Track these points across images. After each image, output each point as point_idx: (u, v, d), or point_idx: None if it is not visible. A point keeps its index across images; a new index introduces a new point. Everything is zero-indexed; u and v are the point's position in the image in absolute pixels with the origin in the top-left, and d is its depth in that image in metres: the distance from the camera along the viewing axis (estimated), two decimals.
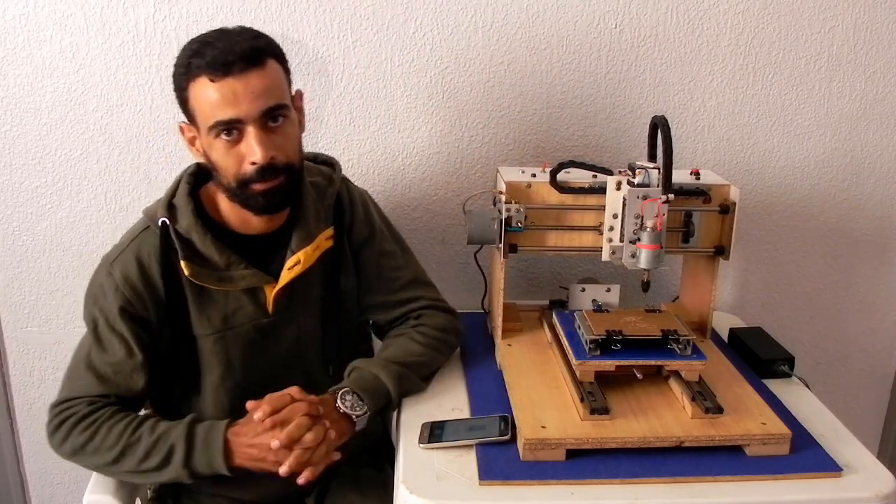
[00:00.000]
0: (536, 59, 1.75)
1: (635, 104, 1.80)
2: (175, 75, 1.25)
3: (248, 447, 1.24)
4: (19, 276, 1.82)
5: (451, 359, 1.54)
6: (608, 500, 1.15)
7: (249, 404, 1.24)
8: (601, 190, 1.40)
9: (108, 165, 1.74)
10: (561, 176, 1.46)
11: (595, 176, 1.46)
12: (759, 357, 1.53)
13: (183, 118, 1.29)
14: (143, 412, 1.38)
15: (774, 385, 1.47)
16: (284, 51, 1.31)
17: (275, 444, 1.20)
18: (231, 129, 1.21)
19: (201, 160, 1.31)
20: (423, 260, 1.59)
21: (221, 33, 1.24)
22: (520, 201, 1.45)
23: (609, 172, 1.41)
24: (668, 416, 1.27)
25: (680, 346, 1.33)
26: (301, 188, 1.36)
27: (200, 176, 1.38)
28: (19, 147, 1.72)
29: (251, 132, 1.21)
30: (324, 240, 1.40)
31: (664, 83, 1.79)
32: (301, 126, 1.33)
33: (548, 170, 1.47)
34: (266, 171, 1.23)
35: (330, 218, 1.43)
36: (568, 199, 1.47)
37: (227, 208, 1.35)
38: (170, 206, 1.33)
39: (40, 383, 1.91)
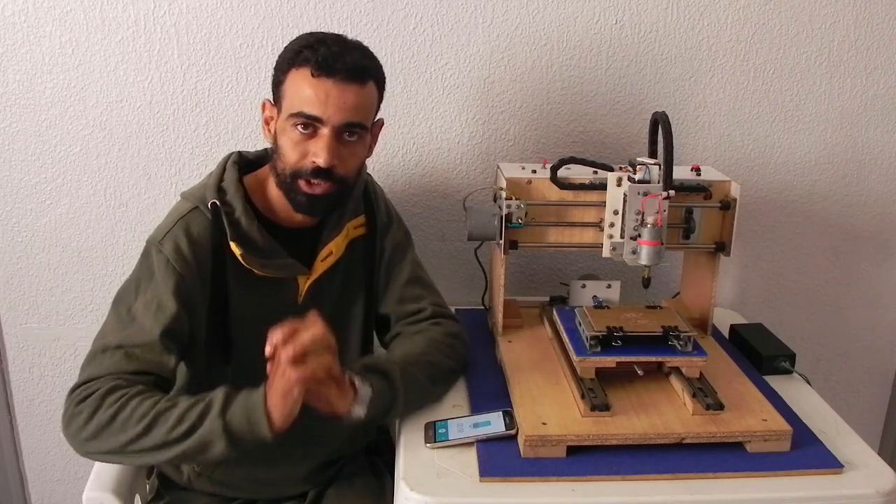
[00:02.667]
0: (537, 55, 1.74)
1: (636, 100, 1.80)
2: (282, 57, 1.30)
3: (275, 387, 1.16)
4: (19, 272, 1.82)
5: None
6: (609, 496, 1.15)
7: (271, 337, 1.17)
8: (602, 186, 1.40)
9: (107, 162, 1.74)
10: (561, 172, 1.45)
11: (596, 172, 1.46)
12: (759, 353, 1.52)
13: (268, 97, 1.34)
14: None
15: (775, 381, 1.47)
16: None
17: (268, 350, 1.14)
18: (309, 124, 1.26)
19: (269, 141, 1.35)
20: (424, 256, 1.59)
21: (340, 39, 1.29)
22: (520, 198, 1.45)
23: (610, 169, 1.41)
24: (669, 413, 1.27)
25: (681, 343, 1.33)
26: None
27: (247, 165, 1.41)
28: (18, 143, 1.72)
29: (325, 135, 1.26)
30: (353, 228, 1.43)
31: (665, 79, 1.79)
32: (369, 151, 1.39)
33: (548, 166, 1.46)
34: (321, 173, 1.27)
35: (360, 208, 1.45)
36: (568, 195, 1.47)
37: (276, 198, 1.36)
38: (219, 189, 1.34)
39: (40, 380, 1.91)
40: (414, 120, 1.76)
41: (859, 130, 1.86)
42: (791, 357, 1.52)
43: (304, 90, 1.25)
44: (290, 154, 1.28)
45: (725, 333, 1.67)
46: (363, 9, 1.67)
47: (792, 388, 1.45)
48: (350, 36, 1.30)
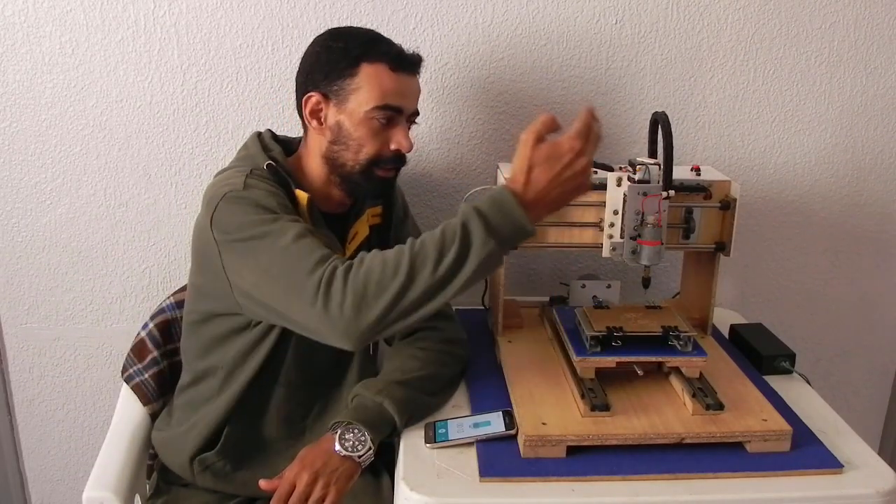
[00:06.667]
0: (536, 55, 1.74)
1: (636, 100, 1.80)
2: (340, 50, 1.34)
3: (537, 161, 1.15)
4: (19, 272, 1.82)
5: None
6: (609, 496, 1.15)
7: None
8: (601, 186, 1.40)
9: (107, 161, 1.74)
10: None
11: (595, 172, 1.45)
12: (759, 353, 1.52)
13: (290, 92, 1.41)
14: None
15: (775, 381, 1.47)
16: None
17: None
18: (391, 116, 1.34)
19: (318, 133, 1.38)
20: None
21: (382, 35, 1.39)
22: None
23: (609, 169, 1.41)
24: (669, 413, 1.27)
25: (681, 343, 1.33)
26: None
27: (287, 149, 1.44)
28: (18, 143, 1.72)
29: (402, 124, 1.37)
30: (371, 216, 1.49)
31: (665, 79, 1.79)
32: None
33: None
34: (399, 160, 1.39)
35: (379, 199, 1.51)
36: None
37: (317, 184, 1.41)
38: (270, 157, 1.37)
39: (40, 379, 1.91)
40: None
41: (859, 130, 1.86)
42: (791, 357, 1.52)
43: (387, 84, 1.33)
44: (370, 144, 1.35)
45: (725, 333, 1.67)
46: (363, 9, 1.67)
47: (792, 388, 1.45)
48: None
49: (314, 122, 1.38)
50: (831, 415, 1.37)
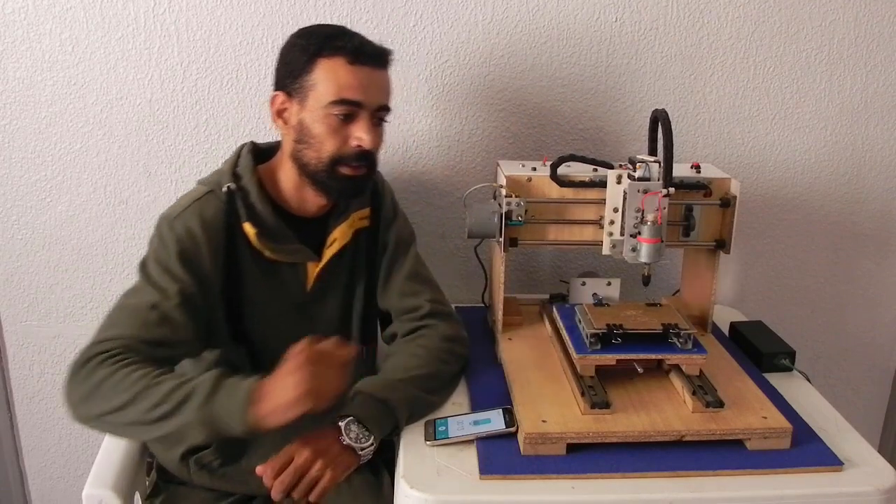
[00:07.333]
0: (537, 52, 1.74)
1: (636, 98, 1.80)
2: (300, 47, 1.33)
3: (273, 388, 1.15)
4: (19, 269, 1.82)
5: None
6: (609, 494, 1.15)
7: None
8: (602, 184, 1.40)
9: (107, 159, 1.74)
10: (561, 170, 1.45)
11: (595, 170, 1.46)
12: (759, 351, 1.53)
13: (268, 91, 1.37)
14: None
15: (775, 379, 1.47)
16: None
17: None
18: (350, 111, 1.31)
19: (283, 132, 1.38)
20: (424, 254, 1.59)
21: (347, 30, 1.35)
22: (520, 195, 1.45)
23: (609, 166, 1.41)
24: (669, 411, 1.27)
25: (681, 340, 1.33)
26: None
27: (260, 155, 1.43)
28: (18, 141, 1.72)
29: (364, 119, 1.32)
30: (358, 219, 1.46)
31: (665, 77, 1.79)
32: None
33: (548, 163, 1.46)
34: (363, 156, 1.33)
35: (365, 200, 1.48)
36: (568, 192, 1.46)
37: (290, 187, 1.40)
38: (235, 175, 1.37)
39: (40, 377, 1.91)
40: (414, 117, 1.76)
41: (859, 128, 1.86)
42: (791, 354, 1.52)
43: (343, 78, 1.29)
44: (329, 141, 1.32)
45: (725, 331, 1.67)
46: (363, 6, 1.67)
47: (792, 386, 1.45)
48: None
49: (280, 122, 1.37)
50: (831, 412, 1.37)
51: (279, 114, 1.36)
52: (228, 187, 1.35)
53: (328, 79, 1.30)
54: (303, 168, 1.36)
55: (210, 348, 1.39)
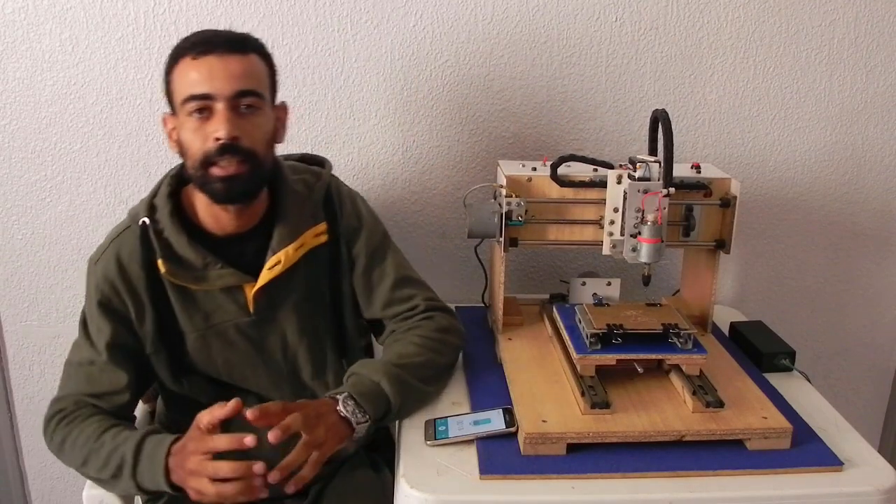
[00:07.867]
0: (537, 52, 1.74)
1: (636, 98, 1.80)
2: (166, 65, 1.29)
3: (183, 466, 1.18)
4: (19, 269, 1.82)
5: None
6: (609, 494, 1.15)
7: (200, 416, 1.20)
8: (602, 184, 1.40)
9: (107, 159, 1.74)
10: (561, 170, 1.45)
11: (596, 170, 1.46)
12: (759, 351, 1.53)
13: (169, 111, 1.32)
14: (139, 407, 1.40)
15: (775, 379, 1.47)
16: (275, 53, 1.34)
17: (249, 439, 1.15)
18: (203, 107, 1.23)
19: (176, 151, 1.31)
20: (423, 254, 1.59)
21: (202, 31, 1.30)
22: (520, 195, 1.45)
23: (610, 166, 1.41)
24: (669, 411, 1.27)
25: (681, 340, 1.33)
26: (280, 186, 1.38)
27: (183, 179, 1.38)
28: (19, 141, 1.72)
29: (220, 109, 1.22)
30: (311, 237, 1.39)
31: (665, 77, 1.79)
32: (278, 136, 1.35)
33: (548, 163, 1.46)
34: (227, 149, 1.23)
35: (320, 215, 1.41)
36: (568, 192, 1.46)
37: (203, 207, 1.35)
38: (151, 206, 1.35)
39: (40, 377, 1.91)
40: (414, 117, 1.76)
41: (859, 128, 1.86)
42: (791, 354, 1.52)
43: (188, 75, 1.23)
44: (193, 143, 1.24)
45: (725, 331, 1.67)
46: (363, 6, 1.67)
47: (792, 386, 1.45)
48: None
49: (171, 144, 1.32)
50: (831, 412, 1.37)
51: (170, 135, 1.32)
52: (143, 221, 1.32)
53: (178, 81, 1.25)
54: (193, 182, 1.30)
55: (166, 383, 1.41)
